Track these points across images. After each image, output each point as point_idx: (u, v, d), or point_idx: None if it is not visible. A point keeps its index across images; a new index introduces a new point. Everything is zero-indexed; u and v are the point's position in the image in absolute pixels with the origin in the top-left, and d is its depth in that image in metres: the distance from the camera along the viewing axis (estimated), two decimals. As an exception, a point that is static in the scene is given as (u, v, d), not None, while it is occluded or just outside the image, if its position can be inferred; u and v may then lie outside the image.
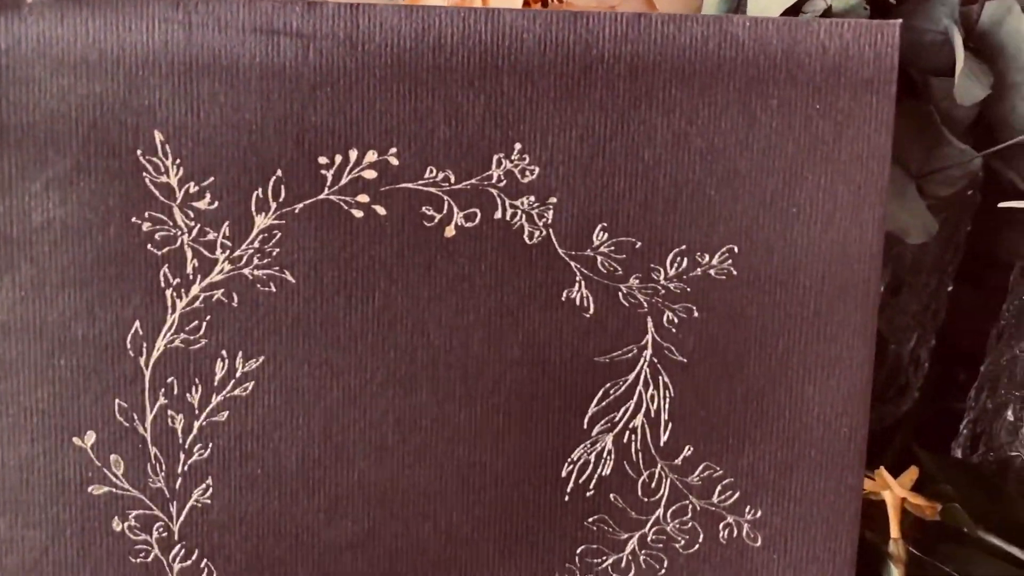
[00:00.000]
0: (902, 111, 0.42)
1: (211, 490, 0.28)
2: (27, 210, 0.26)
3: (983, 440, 0.44)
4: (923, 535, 0.41)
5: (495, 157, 0.27)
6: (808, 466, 0.28)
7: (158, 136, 0.26)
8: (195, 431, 0.27)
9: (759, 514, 0.28)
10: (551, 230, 0.27)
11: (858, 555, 0.41)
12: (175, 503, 0.28)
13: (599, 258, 0.27)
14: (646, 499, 0.28)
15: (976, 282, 0.49)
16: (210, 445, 0.28)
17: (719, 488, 0.28)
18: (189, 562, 0.28)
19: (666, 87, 0.26)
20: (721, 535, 0.28)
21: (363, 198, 0.27)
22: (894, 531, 0.39)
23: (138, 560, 0.28)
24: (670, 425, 0.28)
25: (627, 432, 0.28)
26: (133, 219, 0.26)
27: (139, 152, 0.26)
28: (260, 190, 0.26)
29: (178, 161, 0.26)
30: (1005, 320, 0.43)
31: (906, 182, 0.42)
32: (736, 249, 0.27)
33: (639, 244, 0.27)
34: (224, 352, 0.27)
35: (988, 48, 0.41)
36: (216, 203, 0.26)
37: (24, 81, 0.26)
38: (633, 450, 0.28)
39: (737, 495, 0.28)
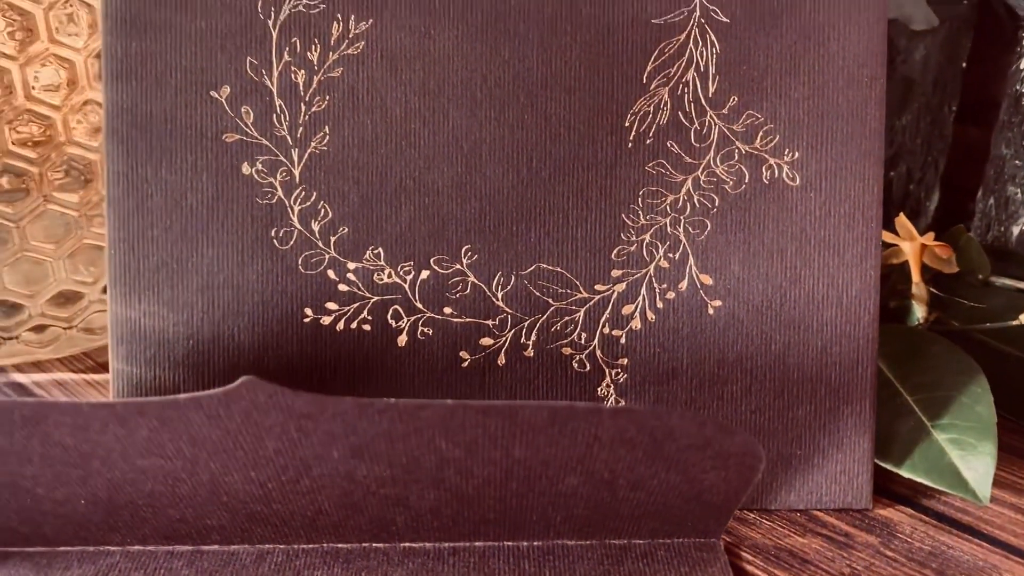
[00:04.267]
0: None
1: (327, 138, 0.32)
2: None
3: (993, 225, 0.49)
4: (943, 284, 0.45)
5: None
6: (837, 113, 0.33)
7: None
8: (314, 85, 0.32)
9: (797, 156, 0.33)
10: (612, -91, 0.32)
11: (883, 316, 0.45)
12: (296, 150, 0.32)
13: (653, -68, 0.32)
14: (698, 145, 0.33)
15: (975, 120, 0.54)
16: (327, 98, 0.32)
17: (761, 134, 0.33)
18: (308, 203, 0.33)
19: None
20: (764, 176, 0.33)
21: None
22: (915, 276, 0.44)
23: (264, 201, 0.33)
24: (717, 78, 0.33)
25: (680, 85, 0.33)
26: (264, -98, 0.32)
27: None
28: None
29: None
30: (1002, 116, 0.48)
31: (909, -18, 0.47)
32: (768, -78, 0.32)
33: (686, -80, 0.32)
34: (339, 15, 0.32)
35: None
36: None
37: None
38: (686, 101, 0.33)
39: (777, 139, 0.33)
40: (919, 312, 0.43)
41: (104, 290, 0.43)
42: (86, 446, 0.26)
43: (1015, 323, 0.40)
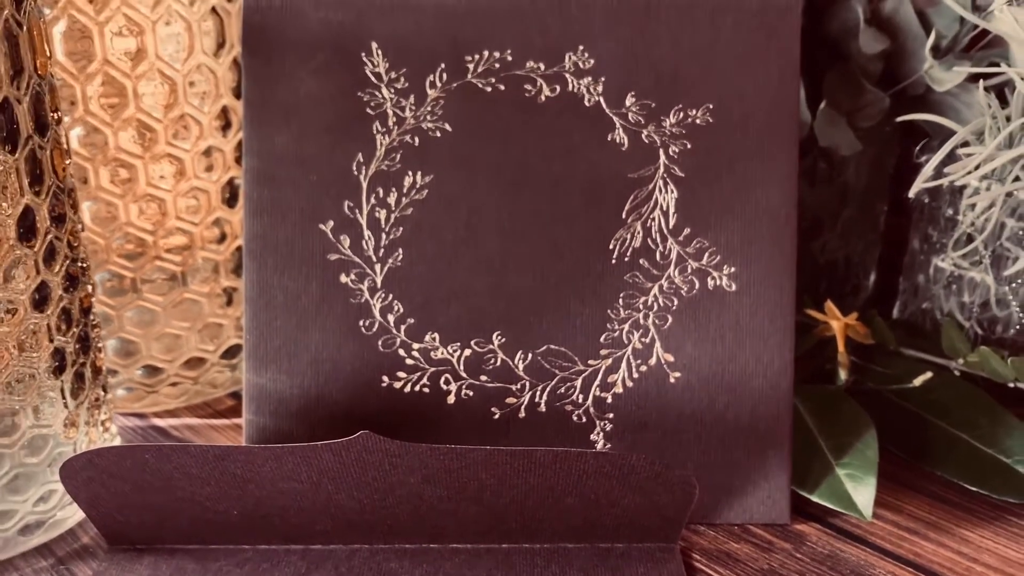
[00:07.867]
0: (834, 70, 0.61)
1: (401, 256, 0.46)
2: (297, 86, 0.45)
3: (908, 304, 0.62)
4: (862, 355, 0.58)
5: (567, 54, 0.46)
6: (762, 240, 0.46)
7: (374, 45, 0.45)
8: (392, 220, 0.46)
9: (733, 270, 0.46)
10: (601, 97, 0.46)
11: (817, 377, 0.58)
12: (379, 265, 0.46)
13: (630, 113, 0.46)
14: (662, 262, 0.46)
15: (903, 213, 0.67)
16: (401, 229, 0.46)
17: (707, 254, 0.46)
18: (386, 302, 0.46)
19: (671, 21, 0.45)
20: (709, 284, 0.46)
21: (491, 80, 0.46)
22: (840, 347, 0.57)
23: (355, 301, 0.46)
24: (676, 215, 0.46)
25: (649, 220, 0.46)
26: (358, 93, 0.46)
27: (363, 55, 0.45)
28: (432, 76, 0.46)
29: (385, 59, 0.45)
30: (914, 219, 0.61)
31: (838, 117, 0.61)
32: (711, 106, 0.46)
33: (654, 104, 0.46)
34: (410, 172, 0.46)
35: (891, 26, 0.60)
36: (407, 83, 0.46)
37: (298, 13, 0.45)
38: (653, 231, 0.46)
39: (719, 258, 0.46)
40: (843, 375, 0.56)
41: (221, 356, 0.57)
42: (249, 474, 0.39)
43: (910, 385, 0.53)
